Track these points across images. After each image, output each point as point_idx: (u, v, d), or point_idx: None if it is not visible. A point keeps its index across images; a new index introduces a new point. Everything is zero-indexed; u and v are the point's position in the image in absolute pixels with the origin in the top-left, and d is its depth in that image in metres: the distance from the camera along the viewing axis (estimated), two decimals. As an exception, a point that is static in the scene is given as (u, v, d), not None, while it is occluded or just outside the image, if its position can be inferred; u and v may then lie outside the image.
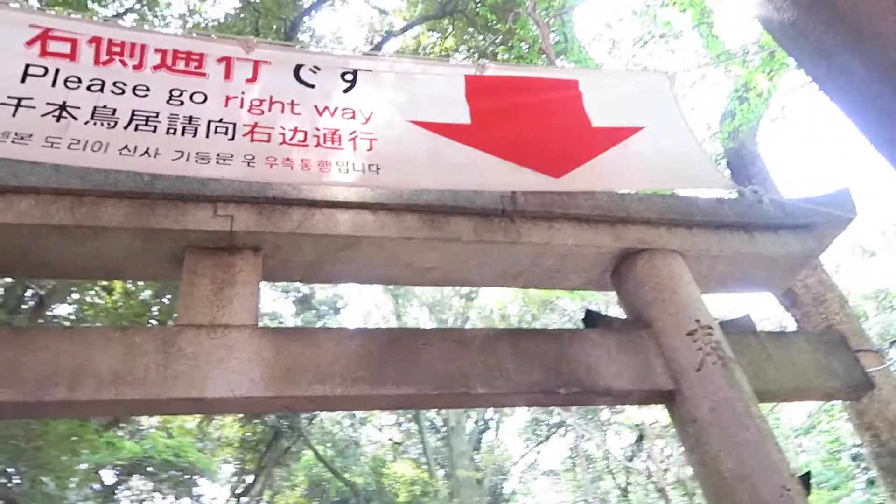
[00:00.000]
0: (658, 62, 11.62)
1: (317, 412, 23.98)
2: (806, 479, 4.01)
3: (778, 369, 3.83)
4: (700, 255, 4.06)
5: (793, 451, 18.80)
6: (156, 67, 3.41)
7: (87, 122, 3.06)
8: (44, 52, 3.27)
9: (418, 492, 25.75)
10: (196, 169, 3.10)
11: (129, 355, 3.07)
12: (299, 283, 17.06)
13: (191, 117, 3.24)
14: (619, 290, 4.10)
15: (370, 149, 3.42)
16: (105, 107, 3.16)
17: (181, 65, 3.47)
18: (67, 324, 13.06)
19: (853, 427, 8.04)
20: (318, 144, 3.35)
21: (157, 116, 3.19)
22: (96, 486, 19.48)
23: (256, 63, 3.61)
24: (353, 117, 3.55)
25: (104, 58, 3.36)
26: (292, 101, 3.51)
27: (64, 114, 3.06)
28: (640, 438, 23.30)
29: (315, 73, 3.69)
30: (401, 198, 3.71)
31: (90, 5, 11.96)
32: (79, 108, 3.10)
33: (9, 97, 3.03)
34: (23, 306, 12.88)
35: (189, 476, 21.18)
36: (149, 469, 20.13)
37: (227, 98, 3.41)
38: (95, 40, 3.39)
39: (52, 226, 3.28)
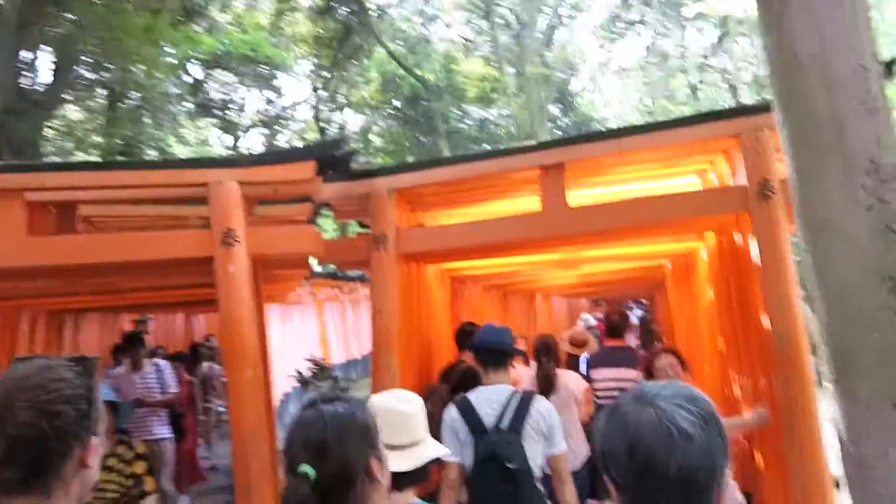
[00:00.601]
0: None
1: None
2: (890, 64, 3.77)
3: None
4: None
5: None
6: None
7: None
8: None
9: (488, 88, 26.42)
10: None
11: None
12: None
13: None
14: None
15: None
16: None
17: None
18: None
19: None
20: None
21: None
22: (186, 78, 20.71)
23: None
24: None
25: None
26: None
27: None
28: (723, 36, 22.24)
29: None
30: None
31: None
32: None
33: None
34: None
35: (268, 69, 22.11)
36: (230, 64, 21.03)
37: None
38: None
39: None
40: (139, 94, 14.77)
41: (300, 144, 23.70)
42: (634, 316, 14.07)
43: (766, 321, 3.74)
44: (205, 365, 9.32)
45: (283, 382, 10.90)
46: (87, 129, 16.01)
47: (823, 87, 2.67)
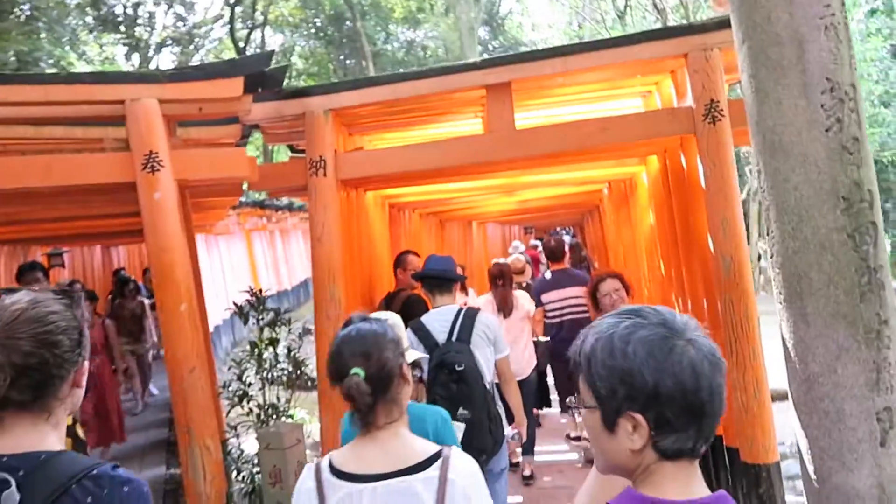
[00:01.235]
0: None
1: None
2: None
3: None
4: None
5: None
6: None
7: None
8: None
9: (414, 7, 25.51)
10: None
11: None
12: None
13: None
14: None
15: None
16: None
17: None
18: None
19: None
20: None
21: None
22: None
23: None
24: None
25: None
26: None
27: None
28: (650, -43, 21.97)
29: None
30: None
31: None
32: None
33: None
34: None
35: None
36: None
37: None
38: None
39: None
40: (31, 4, 13.40)
41: (218, 65, 22.30)
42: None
43: (710, 244, 3.78)
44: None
45: (212, 316, 10.62)
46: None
47: (785, 1, 2.59)
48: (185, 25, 23.52)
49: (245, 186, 5.62)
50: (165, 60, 25.18)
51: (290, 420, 4.40)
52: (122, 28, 21.27)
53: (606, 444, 1.14)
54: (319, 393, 4.13)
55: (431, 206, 7.56)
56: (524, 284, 6.50)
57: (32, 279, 5.56)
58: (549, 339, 5.76)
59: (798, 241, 2.60)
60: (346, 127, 4.84)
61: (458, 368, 3.31)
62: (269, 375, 4.38)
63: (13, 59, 13.52)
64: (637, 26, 23.50)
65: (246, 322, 4.41)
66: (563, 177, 5.99)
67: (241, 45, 24.22)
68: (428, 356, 3.37)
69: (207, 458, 3.52)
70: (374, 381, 1.70)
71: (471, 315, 3.53)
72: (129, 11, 21.27)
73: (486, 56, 24.03)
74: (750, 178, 16.48)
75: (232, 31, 24.00)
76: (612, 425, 1.11)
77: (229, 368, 4.51)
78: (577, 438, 6.32)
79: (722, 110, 3.70)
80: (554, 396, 6.53)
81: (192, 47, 24.04)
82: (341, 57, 25.70)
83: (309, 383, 4.74)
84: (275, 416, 4.31)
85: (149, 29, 22.33)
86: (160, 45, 23.20)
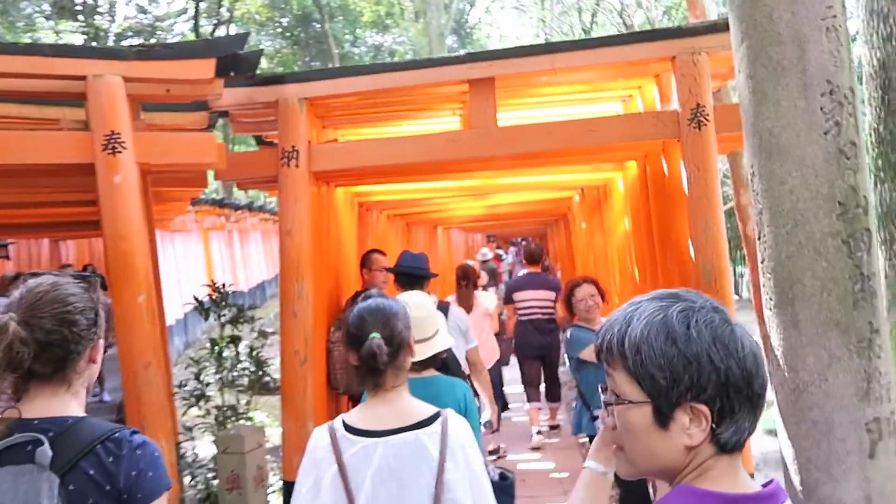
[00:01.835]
0: None
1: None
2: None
3: None
4: None
5: None
6: None
7: None
8: None
9: (383, 12, 25.37)
10: None
11: None
12: None
13: None
14: None
15: None
16: None
17: None
18: None
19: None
20: None
21: None
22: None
23: None
24: None
25: None
26: None
27: None
28: (618, -25, 22.33)
29: None
30: None
31: None
32: None
33: None
34: None
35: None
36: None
37: None
38: None
39: None
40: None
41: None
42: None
43: (691, 251, 3.72)
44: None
45: (170, 310, 10.22)
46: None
47: (788, 1, 2.54)
48: (147, 17, 22.91)
49: (211, 176, 5.39)
50: (125, 52, 24.39)
51: (249, 423, 4.18)
52: (81, 17, 20.59)
53: (655, 443, 1.00)
54: (282, 396, 3.93)
55: (400, 207, 7.40)
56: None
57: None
58: (512, 336, 6.41)
59: (792, 246, 2.54)
60: (320, 119, 4.66)
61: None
62: (229, 376, 4.15)
63: (-37, 41, 12.92)
64: (603, 42, 23.72)
65: (207, 318, 4.18)
66: (539, 180, 5.91)
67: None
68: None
69: (161, 460, 3.29)
70: (389, 346, 1.90)
71: (443, 308, 3.76)
72: (90, 1, 20.62)
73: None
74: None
75: (196, 27, 23.47)
76: (666, 420, 0.98)
77: (186, 367, 4.26)
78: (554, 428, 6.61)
79: (707, 115, 3.65)
80: (518, 390, 6.81)
81: (153, 40, 23.42)
82: (307, 58, 25.37)
83: (271, 385, 4.52)
84: (234, 419, 4.09)
85: (109, 19, 21.67)
86: (120, 37, 22.53)
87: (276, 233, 4.53)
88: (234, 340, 4.17)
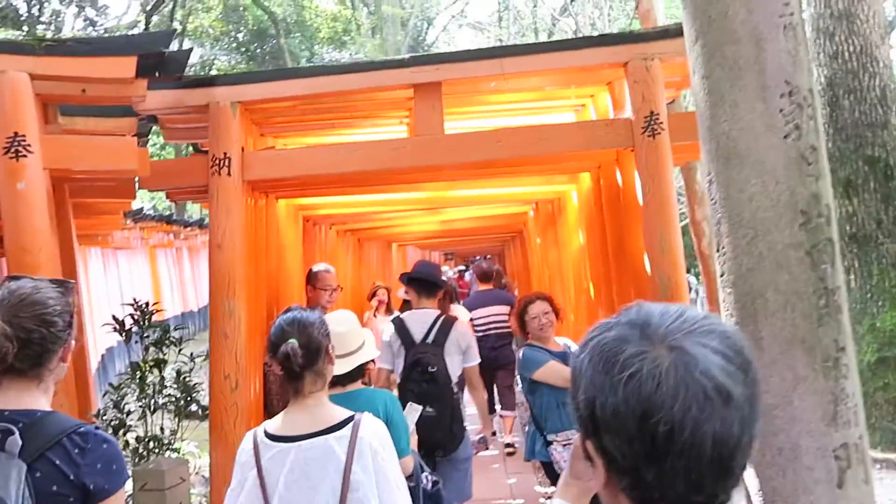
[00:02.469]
0: None
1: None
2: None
3: None
4: None
5: None
6: None
7: None
8: None
9: (340, 29, 25.16)
10: None
11: None
12: None
13: None
14: None
15: None
16: None
17: None
18: None
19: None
20: None
21: None
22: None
23: None
24: None
25: None
26: None
27: None
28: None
29: None
30: None
31: None
32: None
33: None
34: None
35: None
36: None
37: None
38: None
39: None
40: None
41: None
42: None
43: (647, 264, 3.54)
44: None
45: (105, 337, 9.69)
46: None
47: (744, -2, 2.39)
48: (94, 29, 22.23)
49: (141, 191, 5.04)
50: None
51: (174, 455, 3.82)
52: (25, 27, 19.85)
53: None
54: (211, 425, 3.60)
55: (349, 221, 7.11)
56: None
57: None
58: None
59: (752, 258, 2.36)
60: (256, 126, 4.38)
61: (430, 370, 3.69)
62: (153, 402, 3.79)
63: None
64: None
65: (128, 340, 3.82)
66: (491, 192, 5.70)
67: (156, 54, 23.03)
68: (388, 366, 3.84)
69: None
70: (305, 350, 2.01)
71: (448, 322, 3.89)
72: (34, 11, 19.89)
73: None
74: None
75: (146, 39, 22.85)
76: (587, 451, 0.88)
77: (104, 394, 3.88)
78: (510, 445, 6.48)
79: (662, 123, 3.50)
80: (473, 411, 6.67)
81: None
82: (263, 73, 24.93)
83: (200, 412, 4.16)
84: (157, 451, 3.72)
85: (53, 30, 20.95)
86: (66, 48, 21.77)
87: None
88: (158, 364, 3.82)
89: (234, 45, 25.24)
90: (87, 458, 1.50)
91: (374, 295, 7.26)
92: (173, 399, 3.86)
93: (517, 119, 4.60)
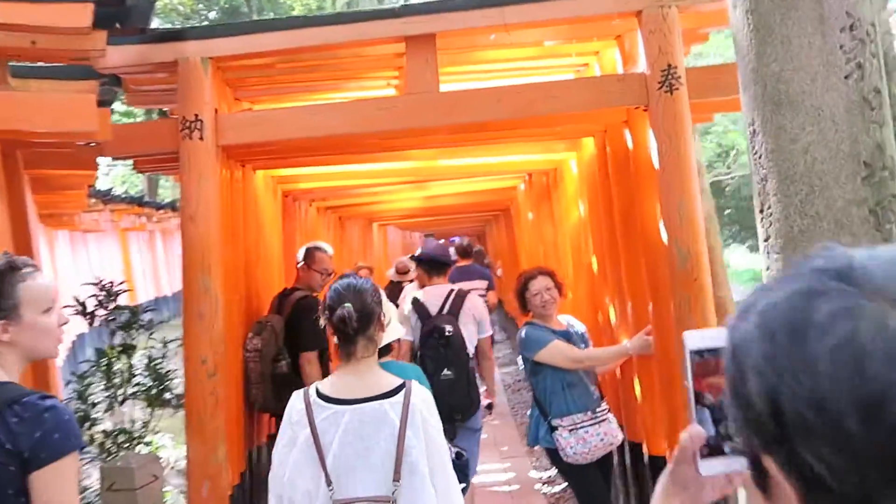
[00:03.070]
0: None
1: None
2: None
3: None
4: None
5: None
6: None
7: None
8: None
9: (314, 6, 24.46)
10: None
11: None
12: None
13: None
14: None
15: None
16: None
17: None
18: None
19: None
20: None
21: None
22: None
23: None
24: None
25: None
26: None
27: None
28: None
29: None
30: None
31: None
32: None
33: None
34: None
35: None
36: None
37: None
38: None
39: None
40: None
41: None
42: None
43: (663, 234, 3.24)
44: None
45: (75, 323, 9.22)
46: None
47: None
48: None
49: (112, 172, 4.61)
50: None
51: (146, 449, 3.46)
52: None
53: None
54: (187, 415, 3.25)
55: (330, 197, 6.73)
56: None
57: None
58: None
59: (807, 219, 2.06)
60: (230, 88, 3.99)
61: (447, 333, 3.90)
62: (122, 392, 3.42)
63: None
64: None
65: (92, 323, 3.44)
66: (484, 162, 5.35)
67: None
68: (410, 337, 4.02)
69: None
70: (359, 315, 2.07)
71: (461, 295, 4.17)
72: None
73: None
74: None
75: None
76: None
77: (67, 384, 3.50)
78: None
79: (680, 78, 3.17)
80: None
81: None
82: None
83: (174, 401, 3.80)
84: (127, 445, 3.36)
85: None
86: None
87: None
88: (127, 350, 3.44)
89: (205, 22, 24.43)
90: (24, 427, 1.49)
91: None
92: (144, 388, 3.48)
93: (515, 81, 4.26)
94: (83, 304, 3.50)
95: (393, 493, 1.98)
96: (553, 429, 3.62)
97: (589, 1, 3.25)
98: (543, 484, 5.57)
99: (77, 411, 3.38)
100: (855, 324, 0.49)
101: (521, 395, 8.73)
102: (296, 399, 2.10)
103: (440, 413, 3.36)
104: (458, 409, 3.75)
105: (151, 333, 3.68)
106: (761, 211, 2.17)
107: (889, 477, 0.47)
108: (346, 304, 2.06)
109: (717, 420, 0.75)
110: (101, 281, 3.60)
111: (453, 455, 2.86)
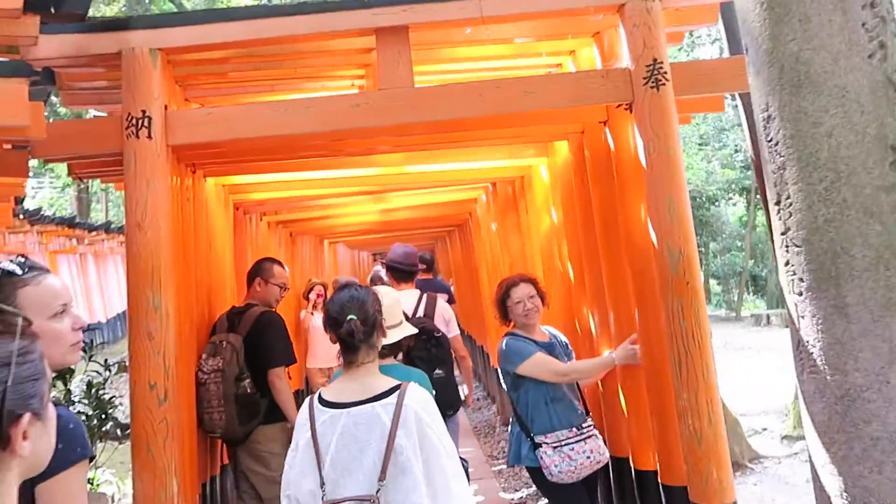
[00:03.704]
0: None
1: None
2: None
3: None
4: None
5: None
6: None
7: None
8: None
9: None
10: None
11: None
12: None
13: None
14: None
15: None
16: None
17: None
18: None
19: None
20: None
21: None
22: None
23: None
24: None
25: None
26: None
27: None
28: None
29: None
30: None
31: None
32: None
33: None
34: None
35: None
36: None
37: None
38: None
39: None
40: None
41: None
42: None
43: (653, 236, 3.07)
44: None
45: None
46: None
47: None
48: None
49: (40, 190, 4.14)
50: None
51: (87, 487, 3.06)
52: None
53: None
54: (133, 446, 2.87)
55: (282, 211, 6.39)
56: None
57: None
58: None
59: (833, 207, 1.91)
60: (180, 87, 3.67)
61: (436, 335, 4.04)
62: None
63: None
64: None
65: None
66: (445, 168, 5.09)
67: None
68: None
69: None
70: (364, 327, 2.19)
71: (433, 298, 4.36)
72: None
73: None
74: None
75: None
76: None
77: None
78: None
79: (666, 73, 3.04)
80: None
81: None
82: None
83: (119, 432, 3.39)
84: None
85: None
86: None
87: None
88: (63, 375, 3.04)
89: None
90: None
91: (310, 291, 6.81)
92: (84, 417, 3.08)
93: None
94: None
95: (377, 493, 2.03)
96: (536, 446, 3.40)
97: (572, -8, 3.09)
98: (514, 504, 5.33)
99: None
100: None
101: (481, 414, 8.50)
102: (304, 405, 2.23)
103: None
104: (450, 406, 3.95)
105: (91, 357, 3.28)
106: (777, 202, 2.01)
107: None
108: (352, 317, 2.15)
109: None
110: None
111: None
